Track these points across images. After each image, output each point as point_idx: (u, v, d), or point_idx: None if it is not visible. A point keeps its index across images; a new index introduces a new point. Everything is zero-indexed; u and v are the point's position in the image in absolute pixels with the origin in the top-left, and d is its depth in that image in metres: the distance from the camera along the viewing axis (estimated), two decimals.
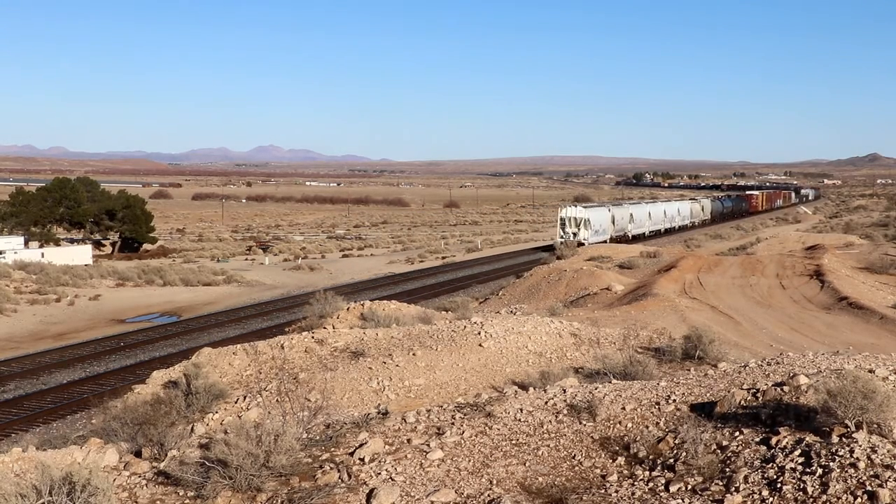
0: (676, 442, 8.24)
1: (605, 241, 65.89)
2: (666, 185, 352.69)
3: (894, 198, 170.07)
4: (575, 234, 65.91)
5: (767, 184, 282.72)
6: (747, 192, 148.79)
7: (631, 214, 77.16)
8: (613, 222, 73.13)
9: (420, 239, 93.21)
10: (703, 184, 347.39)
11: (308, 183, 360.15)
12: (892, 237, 61.37)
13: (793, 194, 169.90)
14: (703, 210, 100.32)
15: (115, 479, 8.23)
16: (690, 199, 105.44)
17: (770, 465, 7.23)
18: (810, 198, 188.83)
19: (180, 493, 7.95)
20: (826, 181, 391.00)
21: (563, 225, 68.06)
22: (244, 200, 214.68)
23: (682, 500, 7.18)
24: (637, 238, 74.88)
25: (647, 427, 8.87)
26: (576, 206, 76.12)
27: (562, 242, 62.11)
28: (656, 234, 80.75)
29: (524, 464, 8.38)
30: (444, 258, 69.02)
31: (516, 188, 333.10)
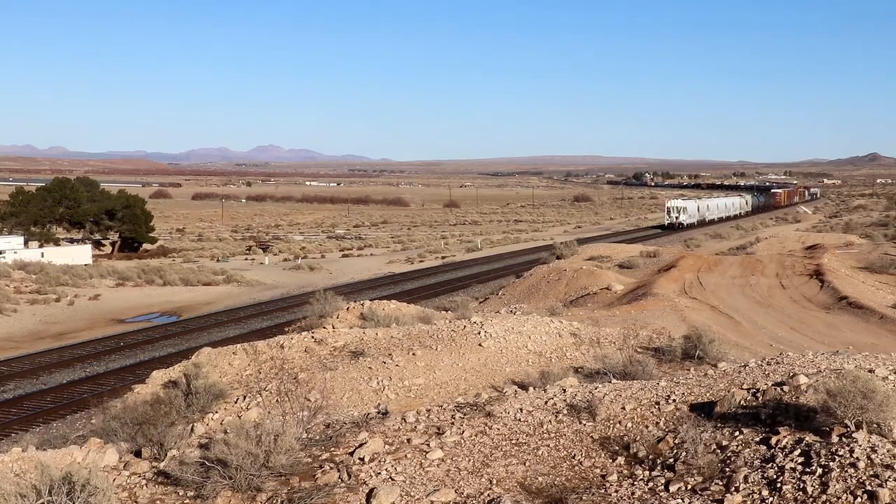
0: (676, 442, 8.23)
1: (694, 223, 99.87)
2: (653, 184, 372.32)
3: (894, 197, 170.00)
4: (677, 218, 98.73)
5: (767, 183, 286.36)
6: (773, 191, 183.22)
7: (707, 206, 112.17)
8: (698, 211, 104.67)
9: (420, 239, 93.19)
10: (685, 183, 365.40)
11: (308, 183, 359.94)
12: (891, 237, 61.31)
13: (805, 192, 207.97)
14: (746, 203, 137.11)
15: (114, 479, 8.22)
16: (739, 196, 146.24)
17: (770, 465, 7.23)
18: (818, 196, 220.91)
19: (180, 493, 7.94)
20: (826, 181, 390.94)
21: (668, 212, 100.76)
22: (244, 200, 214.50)
23: (682, 499, 7.18)
24: (711, 222, 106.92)
25: (646, 427, 8.86)
26: (677, 199, 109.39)
27: (669, 223, 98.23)
28: (720, 220, 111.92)
29: (524, 463, 8.37)
30: (443, 258, 69.03)
31: (516, 188, 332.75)
